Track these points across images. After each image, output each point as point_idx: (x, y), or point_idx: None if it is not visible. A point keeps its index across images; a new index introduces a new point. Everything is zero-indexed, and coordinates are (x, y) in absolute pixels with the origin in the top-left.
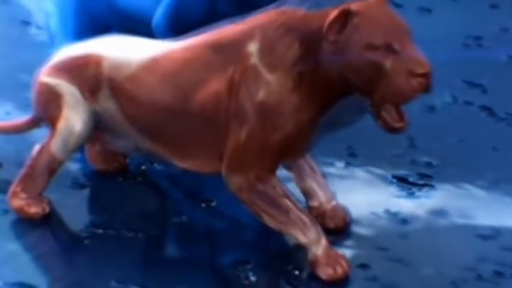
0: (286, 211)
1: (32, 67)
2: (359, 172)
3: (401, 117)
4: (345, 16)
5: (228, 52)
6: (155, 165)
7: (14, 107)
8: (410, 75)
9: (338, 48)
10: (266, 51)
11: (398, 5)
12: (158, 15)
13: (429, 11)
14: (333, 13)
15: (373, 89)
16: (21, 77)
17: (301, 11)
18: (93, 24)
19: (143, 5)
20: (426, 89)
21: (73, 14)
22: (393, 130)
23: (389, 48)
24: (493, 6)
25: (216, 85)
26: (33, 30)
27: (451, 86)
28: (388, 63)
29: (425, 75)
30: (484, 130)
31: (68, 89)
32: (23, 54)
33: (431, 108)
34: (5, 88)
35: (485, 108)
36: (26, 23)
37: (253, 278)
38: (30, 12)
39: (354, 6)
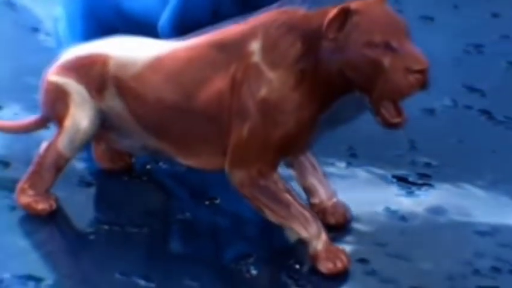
0: (287, 206)
1: (39, 70)
2: (360, 172)
3: (399, 113)
4: (345, 14)
5: (230, 51)
6: (160, 164)
7: (22, 108)
8: (408, 71)
9: (338, 46)
10: (268, 49)
11: (400, 12)
12: (164, 18)
13: (431, 19)
14: (333, 11)
15: (372, 85)
16: (29, 80)
17: (302, 10)
18: (100, 27)
19: (149, 9)
20: (423, 85)
21: (80, 18)
22: (391, 126)
23: (387, 46)
24: (494, 15)
25: (219, 83)
26: (41, 36)
27: (451, 90)
28: (386, 60)
29: (422, 72)
30: (483, 133)
31: (75, 88)
32: (30, 58)
33: (432, 112)
34: (13, 90)
35: (484, 112)
36: (35, 29)
37: (254, 272)
38: (39, 18)
39: (353, 5)
